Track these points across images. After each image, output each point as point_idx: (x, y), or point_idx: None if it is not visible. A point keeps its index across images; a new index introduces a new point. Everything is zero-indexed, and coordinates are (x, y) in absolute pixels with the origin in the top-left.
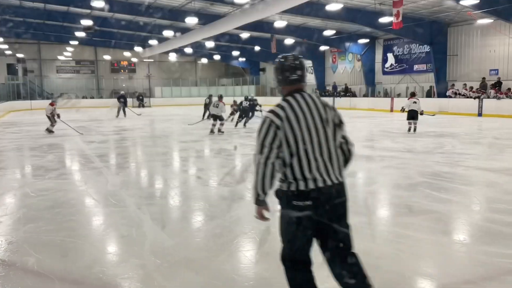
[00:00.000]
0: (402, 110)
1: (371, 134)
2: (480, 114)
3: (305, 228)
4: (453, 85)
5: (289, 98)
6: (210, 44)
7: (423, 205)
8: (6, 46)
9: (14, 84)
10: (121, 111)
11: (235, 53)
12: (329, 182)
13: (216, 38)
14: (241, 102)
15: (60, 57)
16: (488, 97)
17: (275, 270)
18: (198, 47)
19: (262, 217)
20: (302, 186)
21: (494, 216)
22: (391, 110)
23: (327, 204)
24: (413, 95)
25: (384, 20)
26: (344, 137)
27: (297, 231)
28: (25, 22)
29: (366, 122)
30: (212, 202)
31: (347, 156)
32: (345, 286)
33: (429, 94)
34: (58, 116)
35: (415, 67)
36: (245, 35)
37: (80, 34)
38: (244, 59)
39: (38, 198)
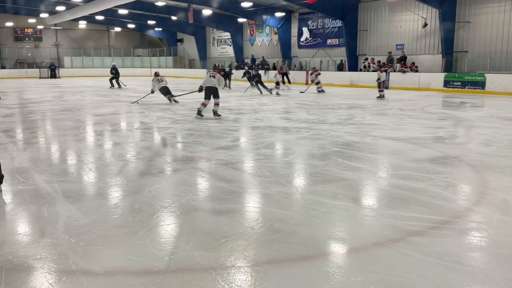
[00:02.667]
0: (378, 79)
1: (287, 107)
2: (387, 87)
3: None
4: (366, 59)
5: None
6: (123, 11)
7: (336, 173)
8: None
9: None
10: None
11: (151, 22)
12: None
13: (130, 5)
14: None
15: None
16: (394, 71)
17: (197, 243)
18: (110, 14)
19: None
20: None
21: (399, 182)
22: (306, 83)
23: None
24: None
25: None
26: None
27: None
28: None
29: (282, 94)
30: (130, 177)
31: None
32: None
33: (340, 68)
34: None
35: (328, 41)
36: (161, 3)
37: None
38: (160, 29)
39: None
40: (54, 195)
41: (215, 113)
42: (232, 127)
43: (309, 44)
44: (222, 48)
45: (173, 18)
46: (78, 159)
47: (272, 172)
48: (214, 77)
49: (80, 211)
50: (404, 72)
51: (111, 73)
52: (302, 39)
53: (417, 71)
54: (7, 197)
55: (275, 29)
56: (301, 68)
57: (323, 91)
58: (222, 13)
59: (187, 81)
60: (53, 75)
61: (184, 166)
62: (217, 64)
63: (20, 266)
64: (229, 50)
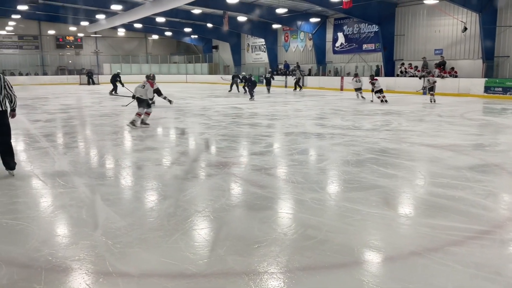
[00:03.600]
0: (429, 81)
1: (321, 112)
2: (425, 93)
3: None
4: (402, 64)
5: None
6: (161, 19)
7: (371, 180)
8: None
9: None
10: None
11: (187, 29)
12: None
13: (167, 13)
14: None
15: (2, 32)
16: (433, 76)
17: (230, 247)
18: (148, 22)
19: None
20: None
21: (437, 190)
22: (341, 89)
23: None
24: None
25: None
26: (9, 90)
27: None
28: None
29: (316, 100)
30: (165, 181)
31: (12, 99)
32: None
33: (377, 73)
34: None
35: (364, 46)
36: (197, 11)
37: (23, 7)
38: (196, 36)
39: None
40: (92, 198)
41: (141, 121)
42: (265, 132)
43: (344, 50)
44: (256, 54)
45: (209, 25)
46: (116, 163)
47: (305, 178)
48: (143, 86)
49: (117, 214)
50: (443, 77)
51: (116, 80)
52: (337, 44)
53: (456, 76)
54: (48, 199)
55: (310, 34)
56: (335, 73)
57: (386, 101)
58: (257, 19)
59: (222, 87)
60: (92, 82)
61: (218, 171)
62: (151, 75)
63: (59, 267)
64: (264, 56)
